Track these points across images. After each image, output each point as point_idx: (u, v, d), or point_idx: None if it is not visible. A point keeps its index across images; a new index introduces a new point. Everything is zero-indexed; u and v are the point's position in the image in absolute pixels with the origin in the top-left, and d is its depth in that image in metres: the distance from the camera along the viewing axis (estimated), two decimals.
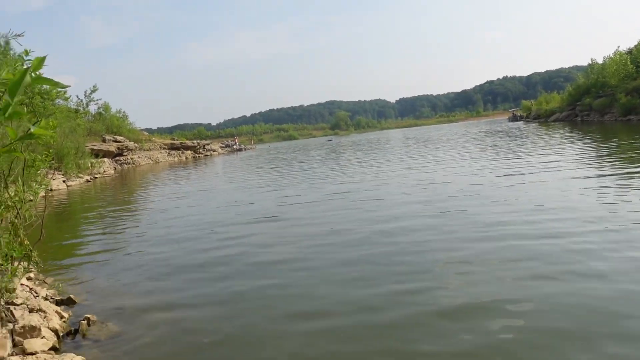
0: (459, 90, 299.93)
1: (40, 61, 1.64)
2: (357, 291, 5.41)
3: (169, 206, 14.21)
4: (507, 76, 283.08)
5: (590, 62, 61.28)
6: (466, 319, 4.38)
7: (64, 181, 24.81)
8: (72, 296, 6.01)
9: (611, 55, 53.45)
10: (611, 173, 11.75)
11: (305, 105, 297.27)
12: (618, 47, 54.22)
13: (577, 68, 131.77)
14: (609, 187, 9.83)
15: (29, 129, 1.68)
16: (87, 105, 50.10)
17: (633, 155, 14.97)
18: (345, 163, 25.86)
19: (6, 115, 1.56)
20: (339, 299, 5.25)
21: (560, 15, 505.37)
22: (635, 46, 52.20)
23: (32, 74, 1.61)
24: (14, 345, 4.30)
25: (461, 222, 8.11)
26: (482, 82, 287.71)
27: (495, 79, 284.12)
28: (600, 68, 53.56)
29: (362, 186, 14.23)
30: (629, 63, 47.34)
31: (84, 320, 5.12)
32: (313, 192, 14.07)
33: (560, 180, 11.41)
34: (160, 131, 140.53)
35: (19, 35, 4.39)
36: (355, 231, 8.27)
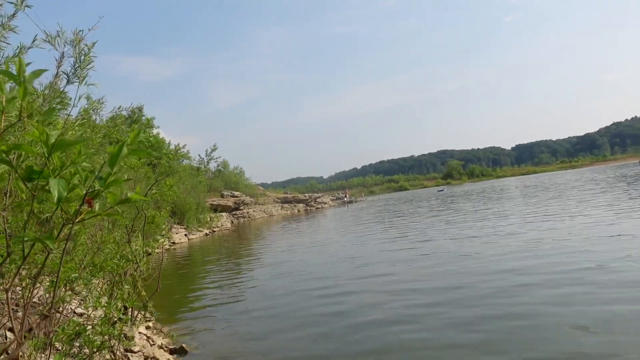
0: (581, 134, 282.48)
1: (136, 135, 1.87)
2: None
3: (282, 259, 14.62)
4: (636, 116, 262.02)
5: None
6: None
7: (185, 235, 26.57)
8: (184, 345, 6.36)
9: None
10: None
11: (416, 155, 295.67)
12: None
13: None
14: None
15: (126, 193, 1.90)
16: (208, 163, 53.77)
17: None
18: (456, 214, 25.14)
19: (106, 184, 1.79)
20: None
21: None
22: None
23: (130, 145, 1.85)
24: None
25: None
26: (608, 124, 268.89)
27: (623, 119, 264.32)
28: None
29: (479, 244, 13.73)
30: None
31: None
32: (420, 247, 13.81)
33: None
34: (275, 185, 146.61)
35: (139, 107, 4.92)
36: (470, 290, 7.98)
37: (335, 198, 79.34)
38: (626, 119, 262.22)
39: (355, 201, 78.54)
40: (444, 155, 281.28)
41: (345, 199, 78.42)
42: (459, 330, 5.79)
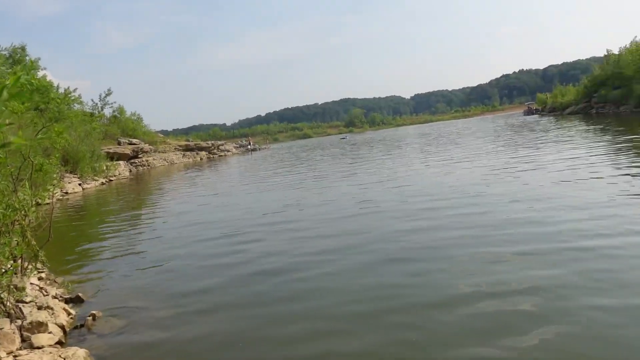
0: (474, 84, 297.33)
1: (18, 77, 1.83)
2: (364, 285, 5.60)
3: (181, 209, 14.47)
4: (523, 69, 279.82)
5: (607, 53, 60.54)
6: None
7: (79, 184, 25.31)
8: (80, 294, 6.27)
9: (627, 45, 52.75)
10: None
11: (320, 103, 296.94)
12: (635, 37, 53.43)
13: (595, 59, 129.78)
14: None
15: (8, 138, 1.88)
16: (102, 108, 50.82)
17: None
18: (358, 161, 25.97)
19: None
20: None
21: (576, 7, 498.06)
22: None
23: (11, 89, 1.81)
24: (23, 340, 4.55)
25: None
26: (498, 76, 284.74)
27: (511, 72, 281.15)
28: (616, 59, 52.86)
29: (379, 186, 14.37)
30: None
31: (89, 316, 5.37)
32: (315, 196, 14.25)
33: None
34: (176, 133, 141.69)
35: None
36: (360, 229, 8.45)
37: (238, 145, 78.56)
38: (514, 72, 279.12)
39: (259, 149, 78.34)
40: (346, 104, 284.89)
41: (249, 146, 77.92)
42: (363, 274, 6.15)
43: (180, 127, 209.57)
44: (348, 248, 7.20)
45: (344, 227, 8.74)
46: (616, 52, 55.53)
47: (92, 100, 51.76)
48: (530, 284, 4.90)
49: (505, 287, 4.91)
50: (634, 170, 10.59)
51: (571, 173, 11.33)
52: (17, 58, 33.67)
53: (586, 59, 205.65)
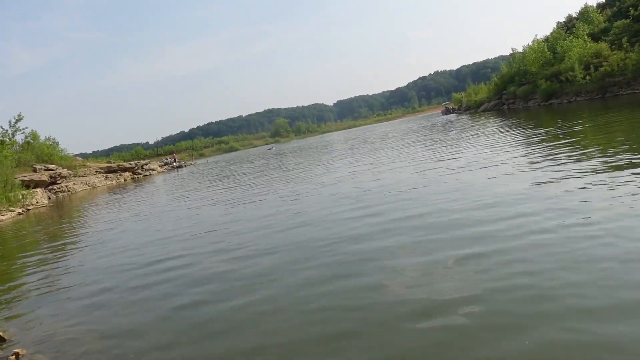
0: (393, 88, 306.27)
1: None
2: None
3: (106, 235, 13.87)
4: (438, 71, 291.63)
5: (512, 52, 64.32)
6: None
7: None
8: (1, 333, 5.90)
9: (530, 44, 56.34)
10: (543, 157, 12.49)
11: (244, 115, 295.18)
12: (536, 35, 57.21)
13: (502, 58, 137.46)
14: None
15: None
16: (13, 135, 47.95)
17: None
18: (286, 171, 26.06)
19: None
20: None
21: (483, 9, 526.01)
22: (551, 34, 55.18)
23: None
24: None
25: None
26: (415, 79, 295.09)
27: (427, 74, 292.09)
28: (521, 57, 56.29)
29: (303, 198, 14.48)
30: (546, 50, 50.00)
31: (12, 355, 5.07)
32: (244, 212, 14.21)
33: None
34: (97, 154, 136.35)
35: None
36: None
37: (163, 163, 76.65)
38: (429, 74, 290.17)
39: (185, 165, 76.79)
40: (270, 114, 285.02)
41: (175, 163, 76.20)
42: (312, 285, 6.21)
43: (100, 149, 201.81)
44: (281, 268, 6.96)
45: (276, 242, 8.68)
46: (520, 50, 59.17)
47: (1, 127, 48.73)
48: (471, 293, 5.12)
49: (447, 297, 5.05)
50: (547, 162, 11.36)
51: (496, 168, 11.98)
52: None
53: (494, 58, 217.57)
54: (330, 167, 21.90)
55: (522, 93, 50.38)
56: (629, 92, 34.12)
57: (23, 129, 49.09)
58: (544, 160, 11.43)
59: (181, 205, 17.78)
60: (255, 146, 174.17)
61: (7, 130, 47.52)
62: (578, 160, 10.60)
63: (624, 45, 37.47)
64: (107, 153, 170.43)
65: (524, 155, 13.12)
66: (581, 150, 12.23)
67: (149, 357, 4.72)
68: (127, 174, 57.76)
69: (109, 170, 56.76)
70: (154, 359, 4.68)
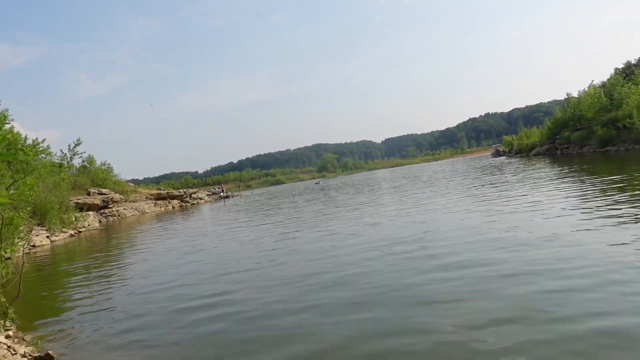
0: (442, 128, 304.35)
1: (2, 139, 1.84)
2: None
3: (153, 260, 14.18)
4: (489, 113, 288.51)
5: (567, 97, 63.05)
6: None
7: (47, 237, 24.67)
8: (50, 352, 6.04)
9: (586, 89, 55.16)
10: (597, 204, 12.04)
11: (292, 149, 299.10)
12: (592, 81, 55.99)
13: (556, 102, 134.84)
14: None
15: None
16: (72, 159, 50.24)
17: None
18: (332, 208, 26.04)
19: None
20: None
21: (537, 52, 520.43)
22: (608, 80, 53.90)
23: None
24: None
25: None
26: (465, 120, 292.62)
27: (477, 115, 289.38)
28: (576, 102, 55.08)
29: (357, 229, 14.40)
30: (602, 96, 48.76)
31: None
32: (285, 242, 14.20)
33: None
34: (147, 181, 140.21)
35: None
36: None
37: (211, 193, 78.11)
38: (480, 115, 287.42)
39: (232, 195, 77.97)
40: (318, 149, 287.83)
41: (222, 193, 77.52)
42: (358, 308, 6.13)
43: (151, 176, 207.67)
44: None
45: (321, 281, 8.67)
46: (576, 95, 57.95)
47: (61, 150, 51.21)
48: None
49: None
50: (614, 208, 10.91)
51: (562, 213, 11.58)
52: None
53: (548, 102, 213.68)
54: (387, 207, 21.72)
55: (577, 138, 49.04)
56: None
57: (81, 154, 51.47)
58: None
59: (223, 237, 17.95)
60: (302, 180, 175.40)
61: (66, 154, 49.86)
62: None
63: None
64: (157, 180, 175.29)
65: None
66: None
67: None
68: (175, 201, 59.11)
69: (159, 197, 58.28)
70: None
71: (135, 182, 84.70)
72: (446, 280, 6.99)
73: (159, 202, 56.76)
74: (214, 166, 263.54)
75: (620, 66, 58.29)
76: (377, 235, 12.22)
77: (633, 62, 55.64)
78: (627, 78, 49.02)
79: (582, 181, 18.39)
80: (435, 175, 44.85)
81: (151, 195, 58.45)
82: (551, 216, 11.05)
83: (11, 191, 5.19)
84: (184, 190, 68.36)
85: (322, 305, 6.68)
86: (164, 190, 65.55)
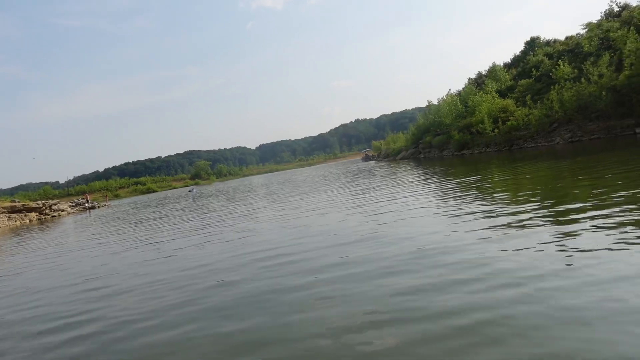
0: (316, 134, 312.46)
1: None
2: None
3: (5, 280, 12.86)
4: (359, 119, 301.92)
5: (428, 104, 67.89)
6: None
7: None
8: None
9: (444, 97, 59.84)
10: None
11: (163, 156, 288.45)
12: (449, 89, 60.99)
13: (419, 109, 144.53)
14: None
15: None
16: None
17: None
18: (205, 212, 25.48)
19: None
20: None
21: (401, 64, 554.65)
22: (463, 89, 58.91)
23: None
24: None
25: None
26: (337, 126, 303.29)
27: (348, 122, 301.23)
28: (436, 109, 59.57)
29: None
30: (459, 103, 53.19)
31: None
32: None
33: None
34: (0, 193, 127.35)
35: None
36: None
37: (74, 204, 72.67)
38: (350, 121, 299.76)
39: (99, 206, 73.24)
40: (191, 156, 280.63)
41: (87, 204, 72.50)
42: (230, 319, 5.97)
43: (4, 187, 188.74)
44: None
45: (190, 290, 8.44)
46: (436, 102, 62.62)
47: None
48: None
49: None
50: (457, 203, 11.86)
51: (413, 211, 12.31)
52: None
53: (412, 109, 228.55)
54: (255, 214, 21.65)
55: (438, 143, 52.96)
56: (532, 145, 36.80)
57: None
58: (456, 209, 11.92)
59: (84, 253, 16.80)
60: (174, 188, 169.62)
61: None
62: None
63: (528, 103, 40.67)
64: (11, 192, 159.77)
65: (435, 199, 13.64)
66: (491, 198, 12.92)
67: None
68: (33, 214, 54.19)
69: (13, 210, 53.02)
70: None
71: None
72: (323, 282, 7.13)
73: (14, 215, 51.63)
74: (77, 175, 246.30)
75: (473, 76, 64.08)
76: (252, 241, 12.17)
77: (483, 72, 61.34)
78: (479, 87, 53.96)
79: (442, 181, 19.88)
80: (310, 180, 45.82)
81: (4, 208, 52.95)
82: (418, 215, 11.78)
83: None
84: (43, 202, 62.76)
85: (193, 319, 6.30)
86: (19, 202, 59.66)
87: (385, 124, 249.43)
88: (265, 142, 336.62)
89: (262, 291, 7.03)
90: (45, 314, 7.95)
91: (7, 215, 50.87)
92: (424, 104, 76.72)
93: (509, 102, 43.86)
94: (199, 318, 6.27)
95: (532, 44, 56.76)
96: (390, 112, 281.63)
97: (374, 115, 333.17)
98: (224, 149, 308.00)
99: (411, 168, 35.45)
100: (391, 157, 69.61)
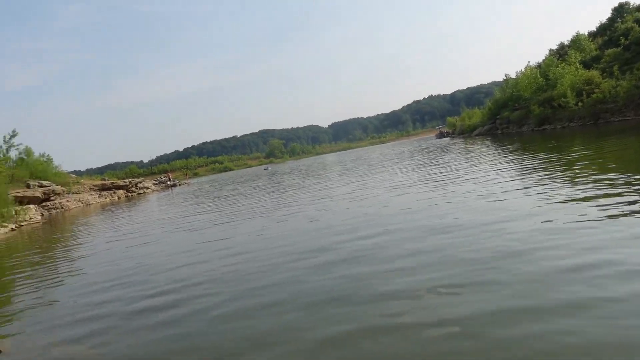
0: (388, 111, 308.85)
1: None
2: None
3: (100, 252, 13.87)
4: (432, 95, 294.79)
5: (505, 78, 65.23)
6: None
7: None
8: None
9: (523, 70, 57.24)
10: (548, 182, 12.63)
11: (239, 135, 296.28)
12: (528, 62, 58.20)
13: (495, 84, 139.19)
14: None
15: None
16: (7, 151, 48.00)
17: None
18: (284, 191, 26.12)
19: None
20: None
21: (477, 35, 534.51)
22: (544, 61, 56.02)
23: None
24: None
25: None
26: (410, 102, 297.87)
27: (421, 98, 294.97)
28: (514, 82, 57.08)
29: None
30: (539, 76, 50.67)
31: None
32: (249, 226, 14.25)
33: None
34: (90, 172, 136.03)
35: None
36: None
37: (157, 182, 76.58)
38: (424, 98, 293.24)
39: (179, 184, 76.68)
40: (265, 135, 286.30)
41: (169, 182, 76.16)
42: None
43: (94, 167, 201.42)
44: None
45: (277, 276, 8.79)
46: (513, 76, 60.04)
47: None
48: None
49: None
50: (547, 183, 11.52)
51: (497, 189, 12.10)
52: None
53: (488, 84, 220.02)
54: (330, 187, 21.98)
55: (516, 118, 50.92)
56: (620, 119, 34.59)
57: (17, 145, 49.21)
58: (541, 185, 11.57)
59: (173, 227, 17.75)
60: (250, 166, 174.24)
61: (1, 146, 47.56)
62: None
63: (615, 74, 38.10)
64: (101, 171, 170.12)
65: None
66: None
67: None
68: (121, 191, 57.66)
69: (103, 188, 56.70)
70: None
71: (78, 173, 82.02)
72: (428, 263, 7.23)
73: (104, 193, 55.21)
74: (159, 155, 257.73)
75: (555, 47, 60.74)
76: (336, 219, 12.44)
77: (566, 43, 58.01)
78: (560, 59, 51.14)
79: (522, 159, 19.24)
80: (383, 158, 45.63)
81: (95, 186, 56.76)
82: (510, 193, 11.55)
83: None
84: (130, 180, 66.67)
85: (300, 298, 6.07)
86: (108, 180, 63.74)
87: (460, 100, 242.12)
88: (337, 120, 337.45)
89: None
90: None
91: (98, 192, 54.45)
92: (500, 78, 73.79)
93: (594, 73, 41.27)
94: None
95: (621, 10, 52.87)
96: (465, 87, 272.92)
97: (448, 90, 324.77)
98: (297, 127, 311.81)
99: (489, 145, 34.37)
100: (466, 133, 67.71)
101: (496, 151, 26.23)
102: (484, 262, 6.06)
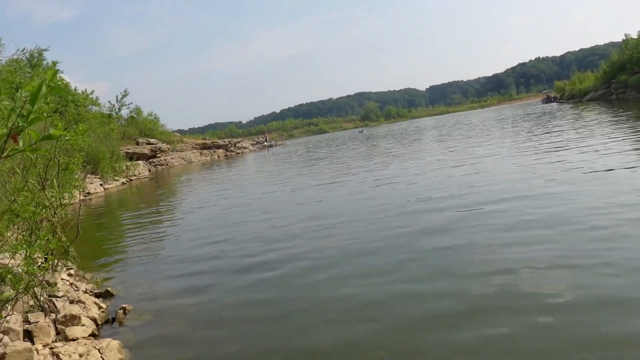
0: (490, 74, 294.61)
1: (54, 73, 1.92)
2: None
3: (203, 205, 14.58)
4: (539, 57, 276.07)
5: (625, 38, 59.51)
6: None
7: (101, 184, 25.69)
8: (109, 289, 6.42)
9: None
10: None
11: (335, 98, 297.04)
12: None
13: (613, 45, 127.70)
14: None
15: (48, 129, 1.97)
16: (120, 109, 51.41)
17: None
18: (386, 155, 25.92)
19: (28, 121, 1.85)
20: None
21: None
22: None
23: (49, 84, 1.90)
24: (57, 332, 4.69)
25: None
26: (514, 65, 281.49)
27: (527, 60, 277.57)
28: (635, 43, 52.02)
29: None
30: None
31: (120, 309, 5.51)
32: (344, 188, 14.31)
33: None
34: (192, 132, 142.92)
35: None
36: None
37: (255, 142, 78.90)
38: (530, 60, 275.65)
39: (276, 145, 78.53)
40: (361, 98, 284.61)
41: (266, 143, 78.18)
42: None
43: (196, 126, 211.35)
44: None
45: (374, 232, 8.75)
46: (634, 36, 54.60)
47: (109, 102, 52.39)
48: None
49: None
50: None
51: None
52: (34, 62, 34.02)
53: (604, 44, 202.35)
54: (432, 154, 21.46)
55: (635, 82, 46.57)
56: None
57: (128, 105, 52.59)
58: None
59: (270, 186, 18.22)
60: (345, 129, 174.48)
61: (114, 105, 51.03)
62: None
63: None
64: (202, 130, 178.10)
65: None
66: None
67: (246, 321, 4.95)
68: (220, 150, 60.10)
69: (204, 147, 59.39)
70: (251, 326, 4.87)
71: (181, 132, 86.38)
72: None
73: (205, 151, 57.86)
74: (257, 116, 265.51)
75: None
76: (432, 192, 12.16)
77: None
78: None
79: None
80: (486, 123, 43.76)
81: (197, 144, 59.61)
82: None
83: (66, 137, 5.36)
84: (229, 139, 69.34)
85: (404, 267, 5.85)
86: (209, 140, 66.65)
87: (570, 62, 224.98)
88: (435, 84, 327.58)
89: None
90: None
91: (199, 151, 57.17)
92: (619, 38, 67.35)
93: None
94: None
95: None
96: (577, 49, 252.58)
97: (558, 52, 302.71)
98: (393, 90, 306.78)
99: (606, 111, 31.38)
100: (576, 98, 63.03)
101: (618, 120, 24.12)
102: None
